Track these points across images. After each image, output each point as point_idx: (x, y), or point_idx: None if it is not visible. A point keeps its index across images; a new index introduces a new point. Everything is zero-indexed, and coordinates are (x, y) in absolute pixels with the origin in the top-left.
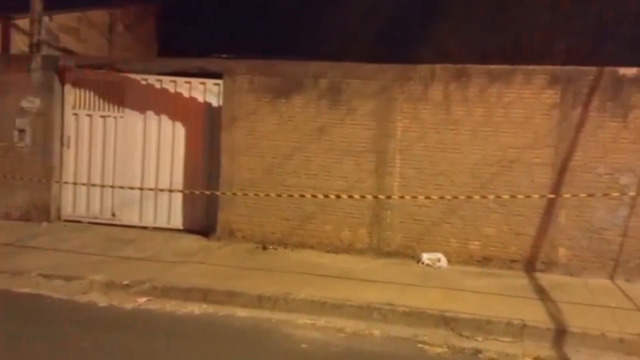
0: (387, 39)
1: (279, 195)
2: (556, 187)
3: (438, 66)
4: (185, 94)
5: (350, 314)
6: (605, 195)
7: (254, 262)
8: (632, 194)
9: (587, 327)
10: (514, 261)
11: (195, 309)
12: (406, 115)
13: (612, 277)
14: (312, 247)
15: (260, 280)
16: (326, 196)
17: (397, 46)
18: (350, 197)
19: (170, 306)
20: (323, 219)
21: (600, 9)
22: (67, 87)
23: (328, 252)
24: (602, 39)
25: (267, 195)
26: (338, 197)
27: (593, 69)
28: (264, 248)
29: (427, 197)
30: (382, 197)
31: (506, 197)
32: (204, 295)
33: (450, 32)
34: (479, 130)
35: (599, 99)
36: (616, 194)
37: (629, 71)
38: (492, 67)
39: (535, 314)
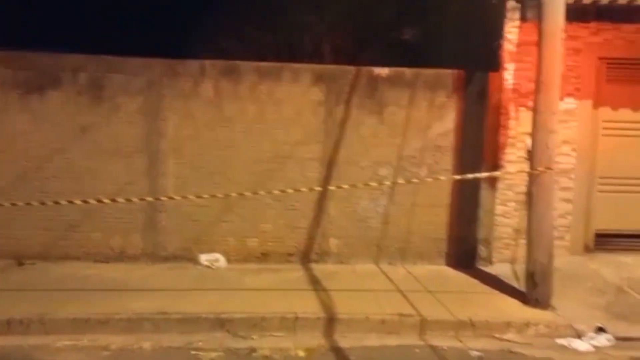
0: (158, 32)
1: (29, 204)
2: (325, 181)
3: (207, 62)
4: None
5: (118, 328)
6: (366, 185)
7: (5, 282)
8: (389, 183)
9: (353, 312)
10: (290, 254)
11: None
12: (177, 113)
13: (376, 262)
14: (78, 258)
15: (11, 302)
16: (85, 202)
17: (170, 41)
18: (114, 200)
19: None
20: (90, 226)
21: (362, 15)
22: None
23: (97, 262)
24: (364, 42)
25: (14, 204)
26: (99, 201)
27: (352, 68)
28: (20, 264)
29: (199, 197)
30: (150, 199)
31: (277, 192)
32: None
33: (225, 30)
34: (253, 127)
35: (358, 97)
36: (376, 185)
37: (383, 71)
38: (262, 64)
39: (307, 306)
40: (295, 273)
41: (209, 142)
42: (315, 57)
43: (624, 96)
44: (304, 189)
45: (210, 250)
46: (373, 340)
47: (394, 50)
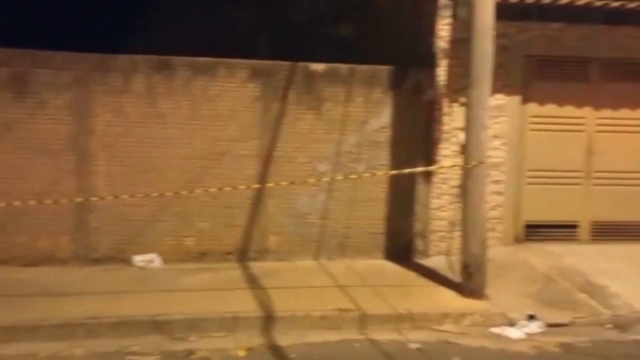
0: (87, 26)
1: None
2: (263, 177)
3: (139, 57)
4: None
5: (48, 335)
6: (305, 182)
7: None
8: (327, 179)
9: (294, 309)
10: (229, 253)
11: None
12: (108, 109)
13: (316, 258)
14: (5, 263)
15: None
16: (9, 204)
17: (99, 35)
18: (41, 202)
19: None
20: (15, 228)
21: (298, 10)
22: None
23: (25, 266)
24: (300, 37)
25: None
26: (25, 203)
27: (288, 64)
28: None
29: (132, 196)
30: (79, 199)
31: (214, 190)
32: None
33: (158, 24)
34: (187, 124)
35: (295, 92)
36: (314, 180)
37: (319, 67)
38: (196, 59)
39: (247, 304)
40: (234, 272)
41: (141, 139)
42: (250, 52)
43: (549, 92)
44: (241, 187)
45: (145, 251)
46: (314, 337)
47: (330, 46)
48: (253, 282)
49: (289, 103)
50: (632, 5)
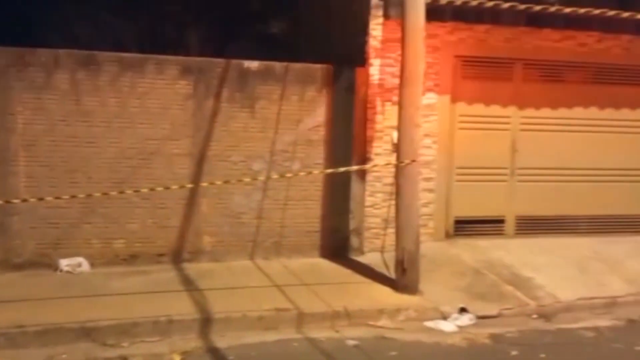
0: (4, 19)
1: None
2: (196, 177)
3: (62, 51)
4: None
5: None
6: (240, 181)
7: None
8: (262, 178)
9: (230, 310)
10: (161, 255)
11: None
12: (28, 106)
13: (252, 258)
14: None
15: None
16: None
17: (18, 28)
18: None
19: None
20: None
21: (229, 6)
22: None
23: None
24: (232, 34)
25: None
26: None
27: (221, 60)
28: None
29: (58, 197)
30: None
31: (145, 190)
32: None
33: (82, 18)
34: (115, 122)
35: (228, 90)
36: (249, 180)
37: (253, 64)
38: (124, 55)
39: (182, 307)
40: (167, 274)
41: (65, 137)
42: (181, 48)
43: (477, 92)
44: (174, 187)
45: (72, 255)
46: (251, 338)
47: (264, 43)
48: (187, 284)
49: (222, 101)
50: (552, 9)
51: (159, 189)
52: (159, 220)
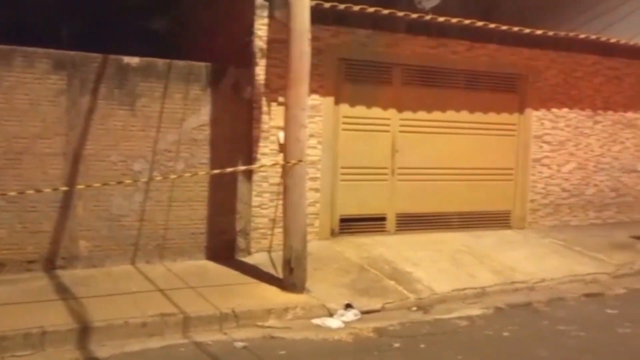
0: None
1: None
2: (70, 178)
3: None
4: None
5: None
6: (120, 182)
7: None
8: (144, 180)
9: (111, 317)
10: (31, 262)
11: None
12: None
13: (133, 262)
14: None
15: None
16: None
17: None
18: None
19: None
20: None
21: None
22: None
23: None
24: (110, 28)
25: None
26: None
27: (98, 55)
28: None
29: None
30: None
31: (13, 193)
32: None
33: None
34: None
35: (106, 86)
36: (130, 181)
37: (133, 60)
38: None
39: (56, 317)
40: (38, 282)
41: None
42: (52, 41)
43: (359, 94)
44: (46, 190)
45: None
46: (135, 345)
47: (146, 40)
48: (62, 292)
49: (100, 97)
50: (427, 17)
51: (30, 192)
52: (29, 225)
